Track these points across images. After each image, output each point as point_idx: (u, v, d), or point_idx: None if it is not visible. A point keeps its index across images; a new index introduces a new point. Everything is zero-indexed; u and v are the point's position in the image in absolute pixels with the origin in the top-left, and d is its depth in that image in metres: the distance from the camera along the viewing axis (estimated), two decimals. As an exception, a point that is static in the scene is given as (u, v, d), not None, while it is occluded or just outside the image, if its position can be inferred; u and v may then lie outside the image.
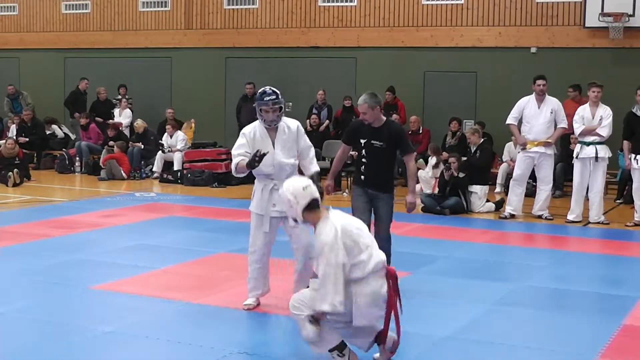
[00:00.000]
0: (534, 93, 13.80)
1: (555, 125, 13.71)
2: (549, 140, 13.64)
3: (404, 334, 7.11)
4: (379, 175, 8.45)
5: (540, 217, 13.69)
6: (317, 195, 6.28)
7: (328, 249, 5.96)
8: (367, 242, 6.17)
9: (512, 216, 13.82)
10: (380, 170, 8.46)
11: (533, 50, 18.59)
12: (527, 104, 13.82)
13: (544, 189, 13.81)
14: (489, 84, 18.87)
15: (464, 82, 19.25)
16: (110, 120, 20.98)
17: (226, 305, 7.99)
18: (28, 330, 7.25)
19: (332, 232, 6.02)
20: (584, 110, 13.50)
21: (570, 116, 13.90)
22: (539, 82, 13.70)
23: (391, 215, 8.70)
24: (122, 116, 20.97)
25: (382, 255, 6.25)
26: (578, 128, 13.40)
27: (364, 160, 8.46)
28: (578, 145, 13.55)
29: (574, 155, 13.62)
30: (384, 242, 8.20)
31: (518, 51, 18.68)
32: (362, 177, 8.51)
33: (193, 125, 20.72)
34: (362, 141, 8.40)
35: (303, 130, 8.12)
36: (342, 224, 6.09)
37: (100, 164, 18.99)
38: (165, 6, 22.44)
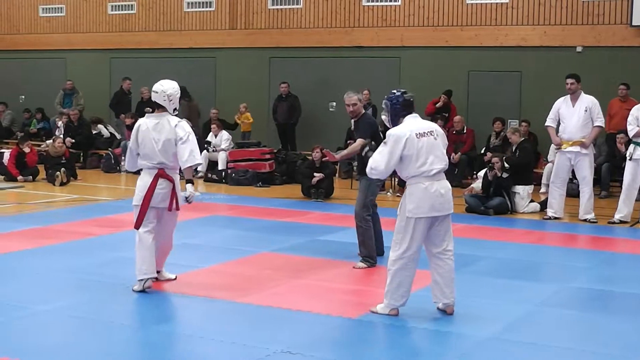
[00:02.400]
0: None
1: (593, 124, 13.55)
2: (584, 140, 13.47)
3: (446, 335, 7.12)
4: (359, 161, 9.77)
5: (585, 220, 13.52)
6: (159, 99, 8.82)
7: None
8: (152, 148, 8.50)
9: (556, 218, 13.69)
10: (360, 157, 9.61)
11: (579, 49, 18.42)
12: (562, 103, 13.67)
13: (585, 190, 13.55)
14: (533, 84, 18.73)
15: (508, 82, 19.12)
16: None
17: (269, 304, 8.02)
18: (73, 327, 7.34)
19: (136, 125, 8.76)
20: (638, 111, 13.30)
21: (614, 116, 13.74)
22: (568, 80, 13.53)
23: (362, 194, 9.75)
24: None
25: (161, 159, 8.46)
26: (632, 130, 13.21)
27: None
28: (632, 146, 13.33)
29: (627, 156, 13.40)
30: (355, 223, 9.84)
31: (563, 50, 18.52)
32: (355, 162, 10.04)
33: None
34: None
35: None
36: (148, 127, 8.63)
37: None
38: (210, 6, 22.56)
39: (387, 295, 7.61)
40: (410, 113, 7.69)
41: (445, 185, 7.57)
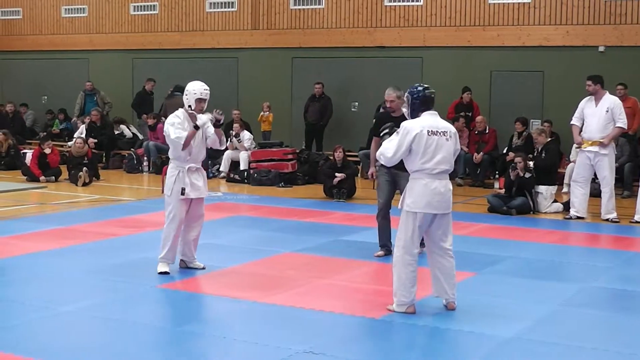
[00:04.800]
0: None
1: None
2: (602, 140, 13.41)
3: (469, 335, 7.11)
4: None
5: (607, 220, 13.46)
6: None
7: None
8: None
9: (579, 217, 13.63)
10: None
11: (601, 49, 18.34)
12: (586, 103, 13.66)
13: (605, 190, 13.49)
14: (556, 84, 18.67)
15: (530, 82, 19.08)
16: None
17: (291, 304, 8.03)
18: (96, 328, 7.37)
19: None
20: None
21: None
22: (586, 82, 13.58)
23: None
24: None
25: None
26: None
27: None
28: None
29: None
30: None
31: (586, 50, 18.45)
32: None
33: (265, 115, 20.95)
34: (386, 130, 9.58)
35: None
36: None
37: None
38: (232, 7, 22.60)
39: (397, 293, 7.73)
40: (429, 109, 7.78)
41: (446, 184, 7.71)
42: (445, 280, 7.79)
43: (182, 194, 9.13)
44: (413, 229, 7.63)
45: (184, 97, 9.29)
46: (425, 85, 7.90)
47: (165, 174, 9.50)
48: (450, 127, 7.79)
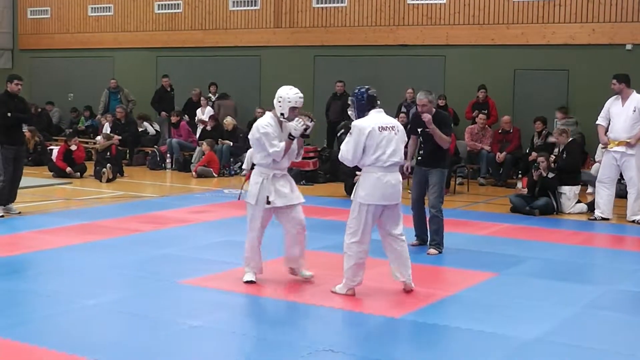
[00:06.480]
0: None
1: None
2: (629, 140, 13.26)
3: (491, 336, 7.06)
4: (431, 155, 10.51)
5: (633, 222, 13.33)
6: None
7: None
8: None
9: (603, 219, 13.50)
10: (433, 150, 10.49)
11: (628, 47, 18.17)
12: (612, 102, 13.53)
13: (630, 191, 13.35)
14: (581, 83, 18.52)
15: (555, 81, 18.93)
16: (198, 117, 21.36)
17: (312, 302, 8.02)
18: (117, 322, 7.41)
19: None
20: None
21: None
22: (612, 80, 13.48)
23: (439, 186, 10.55)
24: (205, 114, 21.16)
25: None
26: None
27: (421, 144, 10.70)
28: None
29: None
30: (430, 214, 10.55)
31: (612, 48, 18.29)
32: (420, 157, 10.69)
33: None
34: (419, 130, 10.62)
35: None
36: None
37: (193, 172, 19.08)
38: (255, 5, 22.60)
39: (345, 276, 8.24)
40: (375, 107, 8.32)
41: (397, 177, 8.25)
42: (401, 264, 8.33)
43: (268, 202, 8.74)
44: (366, 220, 8.18)
45: (276, 102, 8.64)
46: (367, 87, 8.40)
47: (248, 179, 9.03)
48: (396, 123, 8.40)
